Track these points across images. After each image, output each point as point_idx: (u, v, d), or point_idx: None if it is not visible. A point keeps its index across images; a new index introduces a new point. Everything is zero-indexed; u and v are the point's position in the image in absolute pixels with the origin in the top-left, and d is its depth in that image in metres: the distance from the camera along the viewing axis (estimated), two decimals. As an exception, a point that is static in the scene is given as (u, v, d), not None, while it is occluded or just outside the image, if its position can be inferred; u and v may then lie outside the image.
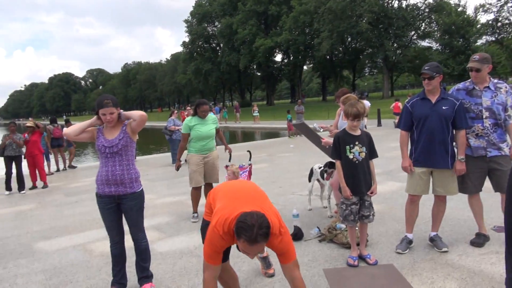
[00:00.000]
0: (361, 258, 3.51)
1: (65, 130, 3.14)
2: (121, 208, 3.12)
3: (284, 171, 8.63)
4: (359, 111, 3.32)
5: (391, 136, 12.95)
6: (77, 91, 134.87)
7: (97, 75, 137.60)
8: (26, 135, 8.67)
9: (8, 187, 8.39)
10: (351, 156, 3.41)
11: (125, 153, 3.09)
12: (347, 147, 3.42)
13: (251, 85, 70.92)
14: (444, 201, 3.69)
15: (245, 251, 2.11)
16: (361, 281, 3.15)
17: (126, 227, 3.20)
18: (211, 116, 5.31)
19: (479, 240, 3.66)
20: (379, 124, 18.95)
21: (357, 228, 3.65)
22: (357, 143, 3.41)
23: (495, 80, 3.60)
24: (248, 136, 24.44)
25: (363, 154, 3.42)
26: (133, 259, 3.32)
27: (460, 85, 3.72)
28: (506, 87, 3.52)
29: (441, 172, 3.55)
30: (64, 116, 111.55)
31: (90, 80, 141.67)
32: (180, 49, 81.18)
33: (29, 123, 9.10)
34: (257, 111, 29.52)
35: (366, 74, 66.31)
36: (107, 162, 3.05)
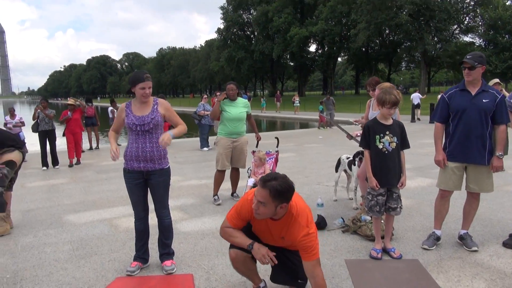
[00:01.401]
0: (385, 251, 3.41)
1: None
2: (148, 184, 3.16)
3: (310, 161, 8.52)
4: (397, 98, 3.18)
5: (425, 132, 12.51)
6: (113, 74, 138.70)
7: (133, 59, 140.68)
8: (68, 112, 8.95)
9: (45, 163, 8.70)
10: (380, 146, 3.29)
11: (155, 131, 3.11)
12: (377, 136, 3.30)
13: (283, 75, 70.41)
14: (477, 198, 3.51)
15: (255, 195, 2.22)
16: (383, 273, 3.06)
17: (151, 206, 3.25)
18: (242, 100, 5.27)
19: (513, 242, 3.46)
20: (413, 119, 18.37)
21: (382, 221, 3.55)
22: (387, 132, 3.29)
23: None
24: (278, 126, 24.30)
25: (393, 145, 3.29)
26: (156, 237, 3.37)
27: None
28: None
29: (476, 167, 3.37)
30: (99, 98, 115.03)
31: (126, 64, 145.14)
32: (214, 36, 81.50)
33: (71, 101, 9.37)
34: (298, 101, 27.94)
35: (403, 68, 64.27)
36: (137, 139, 3.08)
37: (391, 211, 3.38)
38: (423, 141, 10.39)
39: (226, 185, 5.65)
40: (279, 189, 2.15)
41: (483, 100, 3.27)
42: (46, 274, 3.24)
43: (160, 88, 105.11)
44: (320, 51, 56.31)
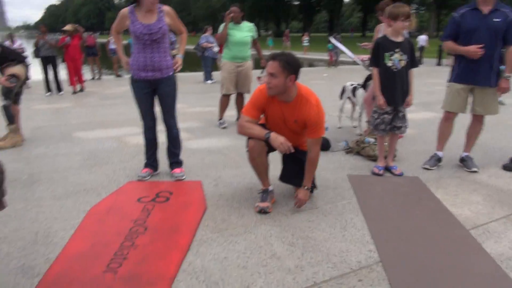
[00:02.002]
0: (387, 169, 3.52)
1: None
2: (156, 93, 3.18)
3: (315, 95, 8.49)
4: (409, 12, 3.11)
5: (430, 74, 12.35)
6: (111, 9, 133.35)
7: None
8: (67, 38, 8.74)
9: (48, 88, 8.69)
10: (390, 64, 3.26)
11: (163, 41, 3.08)
12: (387, 54, 3.25)
13: (288, 15, 67.72)
14: (481, 121, 3.55)
15: (267, 70, 2.47)
16: (384, 187, 3.19)
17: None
18: (247, 24, 5.14)
19: (513, 165, 3.57)
20: (420, 62, 18.01)
21: (386, 143, 3.62)
22: (397, 50, 3.24)
23: None
24: None
25: (403, 63, 3.26)
26: (163, 148, 3.46)
27: None
28: None
29: (482, 89, 3.37)
30: (98, 34, 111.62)
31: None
32: (217, -30, 77.00)
33: (68, 26, 9.11)
34: (307, 41, 26.09)
35: (413, 11, 61.73)
36: (145, 48, 3.04)
37: (396, 130, 3.43)
38: (429, 81, 10.29)
39: (230, 112, 5.68)
40: (288, 60, 2.43)
41: (494, 20, 3.17)
42: (61, 177, 3.38)
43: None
44: (328, -10, 53.77)
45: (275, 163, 2.93)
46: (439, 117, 3.79)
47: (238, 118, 5.57)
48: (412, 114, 3.38)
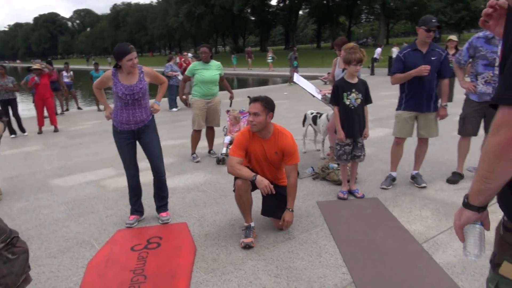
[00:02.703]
0: (350, 192, 3.98)
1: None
2: (141, 143, 3.47)
3: (279, 117, 8.95)
4: (361, 57, 3.60)
5: (383, 85, 13.23)
6: (64, 33, 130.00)
7: (85, 16, 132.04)
8: (36, 78, 8.65)
9: (12, 131, 8.58)
10: (347, 102, 3.74)
11: (144, 98, 3.38)
12: (345, 94, 3.73)
13: (245, 30, 69.06)
14: (426, 143, 4.11)
15: (250, 110, 2.98)
16: (349, 211, 3.63)
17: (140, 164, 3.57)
18: (215, 62, 5.50)
19: (455, 178, 4.13)
20: (372, 73, 19.09)
21: (348, 167, 4.08)
22: (353, 90, 3.73)
23: None
24: (245, 82, 24.24)
25: (359, 101, 3.75)
26: (147, 194, 3.72)
27: (481, 33, 3.91)
28: None
29: (425, 116, 3.92)
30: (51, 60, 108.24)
31: (78, 21, 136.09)
32: (170, -10, 77.27)
33: (36, 65, 9.01)
34: (271, 57, 26.00)
35: (363, 21, 64.76)
36: (127, 107, 3.33)
37: (356, 158, 3.90)
38: (382, 93, 11.05)
39: (202, 143, 5.99)
40: (267, 100, 3.00)
41: (432, 58, 3.75)
42: (50, 231, 3.56)
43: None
44: (281, 5, 55.42)
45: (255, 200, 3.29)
46: (391, 132, 4.27)
47: (210, 151, 5.89)
48: (369, 131, 3.89)
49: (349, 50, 3.71)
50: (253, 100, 3.00)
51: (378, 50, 19.59)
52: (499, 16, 1.23)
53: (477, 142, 4.17)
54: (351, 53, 3.66)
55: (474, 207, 1.11)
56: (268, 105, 2.98)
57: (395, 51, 19.31)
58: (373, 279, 2.56)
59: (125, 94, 3.27)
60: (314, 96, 4.99)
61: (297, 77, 5.11)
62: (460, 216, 1.16)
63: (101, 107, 12.46)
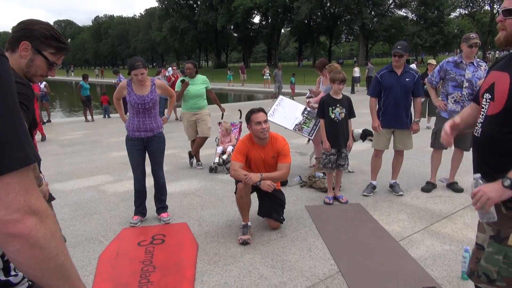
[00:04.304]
0: (335, 198, 4.38)
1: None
2: (147, 150, 3.79)
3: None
4: (345, 77, 4.08)
5: (363, 103, 13.90)
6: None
7: (66, 27, 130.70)
8: None
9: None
10: (332, 116, 4.18)
11: (154, 107, 3.73)
12: (330, 108, 4.17)
13: (228, 46, 70.09)
14: (402, 155, 4.57)
15: (256, 120, 3.40)
16: (335, 214, 4.02)
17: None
18: (201, 77, 5.83)
19: (428, 187, 4.60)
20: (352, 91, 19.84)
21: (333, 176, 4.49)
22: (338, 105, 4.18)
23: (478, 59, 4.33)
24: (239, 97, 24.46)
25: (342, 115, 4.19)
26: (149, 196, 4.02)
27: (450, 58, 4.44)
28: (485, 66, 4.26)
29: (401, 131, 4.40)
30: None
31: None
32: (153, 3, 77.74)
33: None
34: (268, 74, 26.02)
35: (343, 41, 66.87)
36: (138, 114, 3.68)
37: (340, 167, 4.32)
38: (362, 111, 11.67)
39: (205, 151, 6.31)
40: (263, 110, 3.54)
41: (406, 79, 4.25)
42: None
43: (98, 59, 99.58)
44: (264, 23, 56.73)
45: (253, 202, 3.64)
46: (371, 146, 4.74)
47: (197, 162, 6.18)
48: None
49: (334, 71, 4.18)
50: (259, 110, 3.46)
51: (357, 69, 20.47)
52: None
53: (448, 155, 4.67)
54: (336, 73, 4.13)
55: None
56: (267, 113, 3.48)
57: (357, 70, 20.37)
58: (357, 269, 2.93)
59: (137, 103, 3.61)
60: (286, 128, 5.33)
61: (273, 111, 5.46)
62: (500, 194, 1.44)
63: (89, 117, 12.62)
